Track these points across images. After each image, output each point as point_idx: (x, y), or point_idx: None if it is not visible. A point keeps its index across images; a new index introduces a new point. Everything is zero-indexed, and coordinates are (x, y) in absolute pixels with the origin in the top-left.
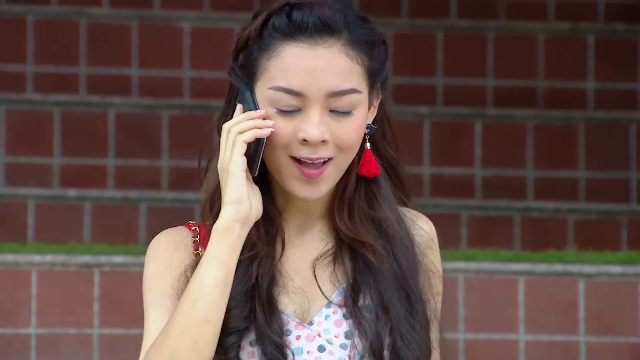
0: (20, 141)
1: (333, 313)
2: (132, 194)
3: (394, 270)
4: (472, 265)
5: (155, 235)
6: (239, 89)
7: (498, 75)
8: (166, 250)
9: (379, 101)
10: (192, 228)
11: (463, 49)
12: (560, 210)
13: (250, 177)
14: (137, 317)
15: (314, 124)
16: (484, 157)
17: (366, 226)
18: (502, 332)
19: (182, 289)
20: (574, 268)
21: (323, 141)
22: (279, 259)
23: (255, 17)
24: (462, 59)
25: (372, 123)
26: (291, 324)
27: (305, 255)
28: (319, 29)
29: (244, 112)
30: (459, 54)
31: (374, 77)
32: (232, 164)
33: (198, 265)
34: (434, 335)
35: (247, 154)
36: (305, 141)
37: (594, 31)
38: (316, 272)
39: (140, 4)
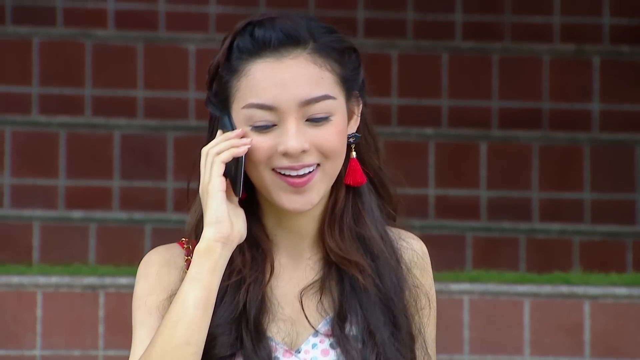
0: (26, 163)
1: (320, 342)
2: (137, 215)
3: (379, 291)
4: (478, 287)
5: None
6: (218, 117)
7: (503, 96)
8: (156, 269)
9: (360, 109)
10: (185, 246)
11: (468, 70)
12: (566, 231)
13: (234, 199)
14: None
15: (292, 135)
16: (489, 178)
17: (354, 244)
18: (508, 354)
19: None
20: (579, 290)
21: (304, 151)
22: (269, 285)
23: (223, 42)
24: (467, 81)
25: (356, 132)
26: (279, 351)
27: (295, 285)
28: (282, 42)
29: None
30: (464, 75)
31: (348, 84)
32: (210, 185)
33: (180, 287)
34: (419, 352)
35: (229, 175)
36: (286, 153)
37: (599, 53)
38: (303, 302)
39: (145, 25)
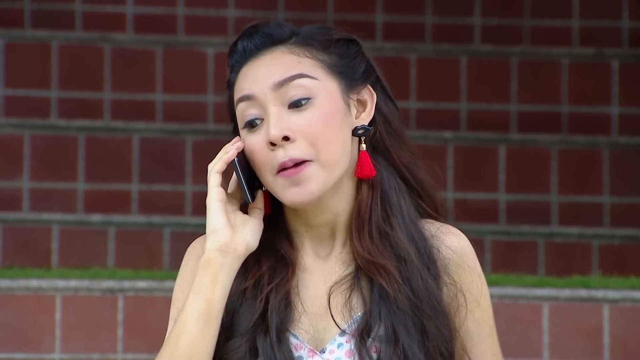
0: (45, 166)
1: (346, 342)
2: (156, 219)
3: (408, 298)
4: (496, 291)
5: (184, 254)
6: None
7: (522, 100)
8: (193, 263)
9: (374, 102)
10: None
11: (487, 74)
12: (585, 235)
13: (253, 211)
14: (161, 342)
15: (272, 124)
16: (508, 182)
17: (381, 247)
18: (527, 358)
19: None
20: (598, 293)
21: (287, 139)
22: (294, 288)
23: None
24: (486, 84)
25: (372, 126)
26: (304, 350)
27: (325, 280)
28: (262, 44)
29: None
30: (483, 79)
31: (341, 71)
32: (208, 197)
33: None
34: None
35: (240, 183)
36: (273, 144)
37: (618, 56)
38: (332, 300)
39: (164, 29)
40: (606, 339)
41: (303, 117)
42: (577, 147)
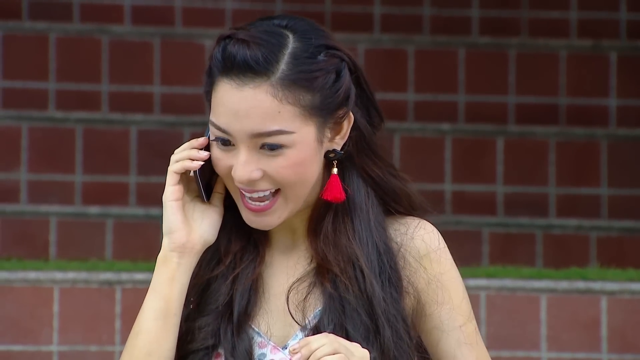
0: (42, 158)
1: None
2: (154, 211)
3: (359, 300)
4: (494, 283)
5: None
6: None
7: (520, 92)
8: None
9: (350, 125)
10: None
11: (485, 65)
12: (583, 227)
13: (193, 196)
14: None
15: (240, 165)
16: (506, 174)
17: (333, 251)
18: (524, 350)
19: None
20: (596, 285)
21: (254, 180)
22: (261, 276)
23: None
24: (484, 76)
25: (346, 143)
26: (267, 348)
27: (287, 277)
28: (246, 69)
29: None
30: (481, 70)
31: (322, 109)
32: (164, 196)
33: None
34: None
35: (198, 188)
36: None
37: (616, 48)
38: (292, 296)
39: (162, 21)
40: (604, 331)
41: (273, 162)
42: (575, 139)
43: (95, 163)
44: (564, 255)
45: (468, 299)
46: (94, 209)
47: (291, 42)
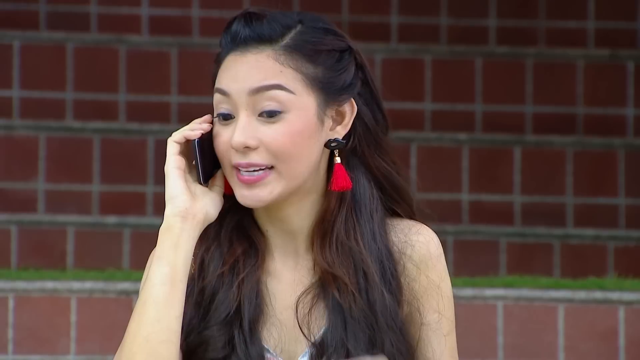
0: (60, 168)
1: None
2: None
3: (363, 310)
4: (512, 292)
5: None
6: None
7: (537, 101)
8: None
9: (353, 115)
10: None
11: (502, 75)
12: (600, 237)
13: (194, 179)
14: None
15: (238, 129)
16: (523, 183)
17: (341, 258)
18: None
19: None
20: (614, 295)
21: (249, 147)
22: (264, 282)
23: None
24: (501, 86)
25: (352, 136)
26: None
27: (293, 287)
28: (250, 38)
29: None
30: (498, 80)
31: (324, 85)
32: (166, 165)
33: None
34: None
35: (196, 164)
36: (233, 147)
37: (633, 58)
38: (299, 311)
39: (179, 30)
40: (621, 341)
41: (271, 129)
42: (593, 149)
43: (112, 173)
44: (582, 265)
45: (453, 309)
46: (111, 219)
47: (299, 26)
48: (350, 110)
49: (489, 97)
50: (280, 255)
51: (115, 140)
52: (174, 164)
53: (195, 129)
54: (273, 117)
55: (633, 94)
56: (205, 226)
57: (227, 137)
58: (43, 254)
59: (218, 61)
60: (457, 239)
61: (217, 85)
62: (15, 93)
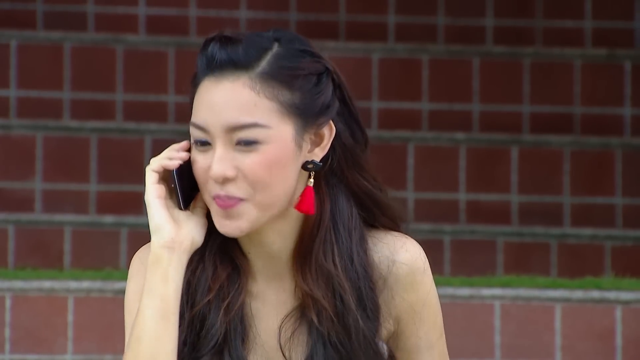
0: (57, 168)
1: None
2: None
3: (339, 334)
4: (509, 292)
5: None
6: None
7: (534, 101)
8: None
9: (331, 137)
10: None
11: (499, 75)
12: (598, 236)
13: (175, 205)
14: None
15: (216, 161)
16: (520, 183)
17: (319, 281)
18: (539, 359)
19: None
20: (611, 295)
21: (228, 178)
22: (248, 306)
23: None
24: (498, 85)
25: (330, 157)
26: None
27: (277, 310)
28: (224, 64)
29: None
30: (495, 80)
31: (301, 111)
32: (146, 195)
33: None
34: None
35: (175, 191)
36: (212, 178)
37: (631, 57)
38: (282, 336)
39: (176, 30)
40: (619, 341)
41: (248, 158)
42: (590, 148)
43: (109, 172)
44: (579, 264)
45: (441, 312)
46: (108, 218)
47: (275, 47)
48: (328, 132)
49: (486, 97)
50: (263, 277)
51: (112, 139)
52: (155, 194)
53: (173, 157)
54: (250, 145)
55: (630, 93)
56: (192, 252)
57: (205, 165)
58: (40, 253)
59: (194, 84)
60: (454, 239)
61: (192, 119)
62: (13, 92)
